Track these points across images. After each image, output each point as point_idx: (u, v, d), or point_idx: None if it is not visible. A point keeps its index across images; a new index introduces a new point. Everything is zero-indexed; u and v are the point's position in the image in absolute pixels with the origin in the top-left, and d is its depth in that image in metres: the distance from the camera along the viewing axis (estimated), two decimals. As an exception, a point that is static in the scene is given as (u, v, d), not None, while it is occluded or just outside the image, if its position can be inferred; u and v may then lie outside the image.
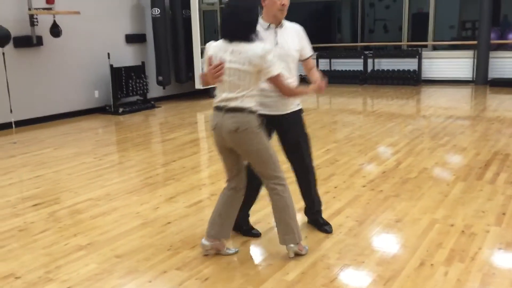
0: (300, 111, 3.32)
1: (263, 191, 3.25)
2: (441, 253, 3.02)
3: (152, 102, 9.45)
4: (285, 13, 3.08)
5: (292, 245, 3.00)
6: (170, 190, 4.50)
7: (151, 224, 3.68)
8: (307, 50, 3.27)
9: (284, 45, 3.08)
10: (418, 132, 6.55)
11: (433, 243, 3.17)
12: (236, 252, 3.16)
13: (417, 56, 11.72)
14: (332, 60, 12.91)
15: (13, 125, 6.86)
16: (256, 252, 3.22)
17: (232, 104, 2.80)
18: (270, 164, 2.92)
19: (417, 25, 12.61)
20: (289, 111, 3.20)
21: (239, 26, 2.77)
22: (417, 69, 11.71)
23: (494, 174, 4.56)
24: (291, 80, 3.10)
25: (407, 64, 11.93)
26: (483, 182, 4.36)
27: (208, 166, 5.45)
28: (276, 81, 2.83)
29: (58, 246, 3.35)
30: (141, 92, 9.30)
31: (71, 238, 3.47)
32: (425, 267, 2.86)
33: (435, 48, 12.39)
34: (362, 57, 12.44)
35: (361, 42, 13.43)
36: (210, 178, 4.94)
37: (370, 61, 12.38)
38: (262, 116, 2.92)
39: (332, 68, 12.89)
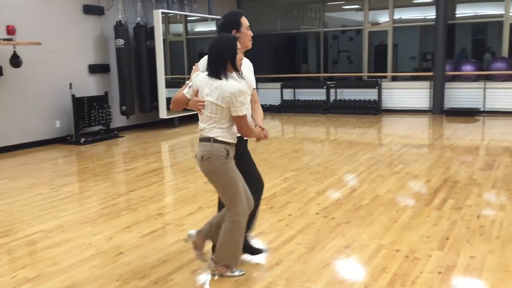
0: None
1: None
2: (384, 277, 3.12)
3: (115, 132, 9.43)
4: None
5: (212, 265, 3.20)
6: (126, 220, 4.49)
7: (103, 255, 3.66)
8: (254, 82, 3.40)
9: (245, 76, 3.23)
10: (375, 160, 6.74)
11: (377, 268, 3.27)
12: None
13: (377, 87, 12.12)
14: (296, 90, 13.20)
15: (-31, 156, 6.72)
16: (205, 279, 3.24)
17: (204, 133, 3.02)
18: (229, 196, 3.06)
19: (380, 57, 13.09)
20: None
21: (212, 64, 3.00)
22: (377, 99, 12.09)
23: (441, 200, 4.74)
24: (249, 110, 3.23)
25: (368, 94, 12.31)
26: (430, 208, 4.52)
27: (167, 195, 5.46)
28: (240, 120, 2.99)
29: (5, 278, 3.29)
30: (104, 122, 9.28)
31: (19, 270, 3.42)
32: (367, 292, 2.95)
33: (394, 79, 12.84)
34: (325, 87, 12.78)
35: (325, 73, 13.80)
36: (168, 207, 4.95)
37: (332, 91, 12.72)
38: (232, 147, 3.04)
39: (296, 98, 13.17)
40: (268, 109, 13.32)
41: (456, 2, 12.19)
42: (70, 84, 8.71)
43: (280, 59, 15.33)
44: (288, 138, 9.37)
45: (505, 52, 11.51)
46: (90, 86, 9.45)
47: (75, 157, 7.77)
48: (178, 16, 10.99)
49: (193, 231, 3.25)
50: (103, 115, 9.23)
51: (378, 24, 12.98)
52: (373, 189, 5.24)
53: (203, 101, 2.99)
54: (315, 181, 5.68)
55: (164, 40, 10.08)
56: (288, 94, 13.35)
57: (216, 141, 2.98)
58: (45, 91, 8.61)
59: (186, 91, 3.11)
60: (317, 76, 13.81)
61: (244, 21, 3.30)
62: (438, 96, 11.42)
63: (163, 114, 10.20)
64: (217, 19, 11.98)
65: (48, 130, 8.71)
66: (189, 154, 7.85)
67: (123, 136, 9.48)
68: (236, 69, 3.04)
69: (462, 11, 12.47)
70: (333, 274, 3.22)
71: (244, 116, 2.99)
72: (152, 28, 10.08)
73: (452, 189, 5.12)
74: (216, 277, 3.17)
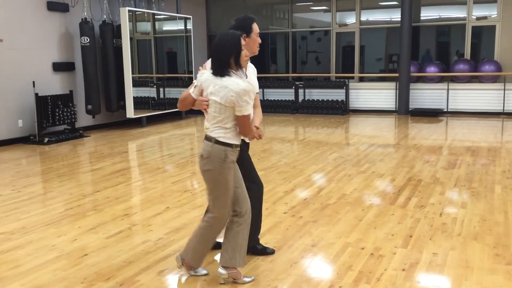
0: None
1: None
2: (350, 275, 3.17)
3: (81, 132, 9.24)
4: None
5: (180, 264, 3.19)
6: (91, 221, 4.41)
7: (67, 257, 3.58)
8: (257, 86, 3.44)
9: (250, 79, 3.23)
10: (342, 159, 6.83)
11: (343, 266, 3.31)
12: (252, 280, 3.13)
13: (345, 87, 12.28)
14: (265, 90, 13.25)
15: None
16: (172, 280, 3.22)
17: (207, 132, 3.00)
18: (215, 199, 3.03)
19: (347, 57, 13.27)
20: None
21: (215, 62, 2.94)
22: (345, 99, 12.25)
23: (406, 199, 4.84)
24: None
25: (336, 94, 12.46)
26: (395, 206, 4.61)
27: (134, 196, 5.39)
28: (244, 120, 2.94)
29: (-37, 283, 3.18)
30: (69, 121, 9.08)
31: (-22, 274, 3.32)
32: (333, 290, 2.98)
33: (361, 79, 13.04)
34: (294, 87, 12.87)
35: (293, 73, 13.89)
36: (134, 208, 4.89)
37: (301, 91, 12.82)
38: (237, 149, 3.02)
39: (265, 98, 13.21)
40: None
41: (420, 5, 12.48)
42: (33, 83, 8.49)
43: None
44: (257, 137, 9.39)
45: (467, 54, 11.86)
46: (54, 85, 9.22)
47: (38, 157, 7.57)
48: (146, 14, 10.85)
49: (221, 270, 3.10)
50: (68, 114, 9.03)
51: (345, 25, 13.16)
52: (340, 188, 5.31)
53: (207, 100, 2.96)
54: (283, 180, 5.71)
55: (131, 39, 9.95)
56: (257, 94, 13.35)
57: (217, 142, 2.93)
58: (7, 89, 8.36)
59: (192, 90, 3.07)
60: (285, 76, 13.89)
61: (256, 27, 3.31)
62: (403, 96, 11.66)
63: (130, 113, 10.06)
64: (185, 18, 11.92)
65: (10, 130, 8.46)
66: (157, 154, 7.77)
67: (89, 136, 9.30)
68: (240, 67, 2.98)
69: (427, 14, 12.76)
70: (300, 273, 3.25)
71: (249, 116, 2.94)
72: (119, 26, 9.92)
73: (416, 188, 5.24)
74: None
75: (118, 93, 10.17)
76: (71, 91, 9.27)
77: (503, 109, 11.13)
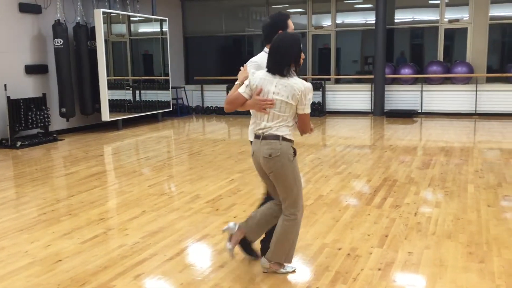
0: None
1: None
2: (327, 275, 3.18)
3: (55, 135, 9.07)
4: None
5: (265, 263, 3.21)
6: (65, 226, 4.33)
7: (40, 263, 3.51)
8: None
9: None
10: (319, 160, 6.87)
11: (321, 267, 3.33)
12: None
13: (321, 89, 12.37)
14: (242, 92, 13.23)
15: None
16: (148, 284, 3.18)
17: (269, 131, 2.99)
18: (291, 195, 3.08)
19: (324, 59, 13.37)
20: None
21: (276, 61, 2.97)
22: (321, 101, 12.34)
23: (382, 199, 4.90)
24: None
25: (313, 96, 12.51)
26: (371, 207, 4.66)
27: (110, 200, 5.32)
28: (305, 118, 3.03)
29: None
30: (42, 124, 8.91)
31: None
32: (311, 290, 2.99)
33: (337, 81, 13.16)
34: (270, 89, 12.87)
35: (270, 75, 13.88)
36: (110, 212, 4.82)
37: (278, 93, 12.83)
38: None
39: (242, 100, 13.19)
40: (215, 111, 13.29)
41: (394, 8, 12.66)
42: (5, 86, 8.31)
43: (226, 61, 15.32)
44: (234, 140, 9.37)
45: (440, 56, 12.08)
46: (27, 88, 9.04)
47: (11, 161, 7.41)
48: (121, 16, 10.74)
49: (232, 223, 3.23)
50: (41, 117, 8.86)
51: (321, 27, 13.26)
52: (317, 189, 5.34)
53: (271, 100, 2.94)
54: (261, 182, 5.68)
55: (106, 41, 9.83)
56: (234, 96, 13.36)
57: (284, 139, 2.99)
58: (-22, 92, 8.17)
59: (242, 90, 3.05)
60: (262, 78, 13.88)
61: (291, 24, 3.29)
62: (378, 98, 11.81)
63: (105, 116, 9.93)
64: (161, 20, 11.84)
65: (-19, 134, 8.26)
66: (133, 157, 7.69)
67: (63, 139, 9.15)
68: (298, 66, 3.04)
69: (401, 17, 12.96)
70: (277, 274, 3.25)
71: (309, 114, 3.03)
72: (93, 28, 9.80)
73: (392, 188, 5.30)
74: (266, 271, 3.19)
75: (93, 95, 10.04)
76: (44, 94, 9.10)
77: (475, 110, 11.37)
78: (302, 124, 3.05)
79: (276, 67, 2.97)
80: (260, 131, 3.04)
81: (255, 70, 3.16)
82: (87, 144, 8.70)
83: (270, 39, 3.09)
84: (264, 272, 3.23)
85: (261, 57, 3.26)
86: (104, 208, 4.94)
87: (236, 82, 3.18)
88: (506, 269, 3.23)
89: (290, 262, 3.24)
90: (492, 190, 5.17)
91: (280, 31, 3.15)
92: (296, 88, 2.93)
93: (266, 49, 3.20)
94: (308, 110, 3.00)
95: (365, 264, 3.35)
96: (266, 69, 3.03)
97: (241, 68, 3.26)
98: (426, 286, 3.06)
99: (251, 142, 3.21)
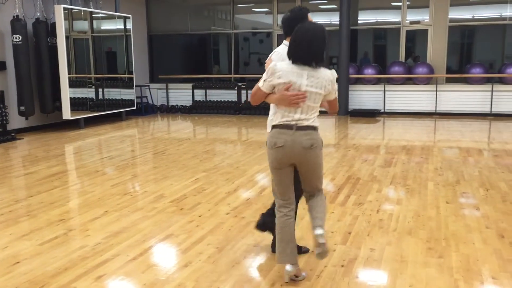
0: None
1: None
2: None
3: (13, 134, 8.78)
4: None
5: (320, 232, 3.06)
6: (24, 227, 4.20)
7: (-4, 266, 3.39)
8: None
9: None
10: (284, 159, 6.89)
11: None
12: (304, 278, 3.17)
13: (286, 88, 12.43)
14: (208, 91, 13.19)
15: None
16: (111, 285, 3.12)
17: (306, 123, 2.99)
18: (322, 178, 3.19)
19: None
20: None
21: (312, 54, 2.93)
22: (286, 100, 12.39)
23: (345, 197, 4.97)
24: None
25: (278, 95, 12.57)
26: (335, 204, 4.72)
27: (71, 200, 5.19)
28: (335, 102, 3.16)
29: None
30: (0, 123, 8.60)
31: None
32: (275, 288, 3.01)
33: (302, 81, 13.24)
34: (236, 88, 12.89)
35: (236, 74, 13.91)
36: (71, 212, 4.71)
37: (244, 92, 12.86)
38: None
39: (208, 99, 13.15)
40: (180, 110, 13.18)
41: (358, 9, 12.87)
42: (-40, 82, 7.99)
43: (191, 59, 15.22)
44: (200, 139, 9.32)
45: (402, 57, 12.36)
46: (-17, 85, 8.73)
47: (-34, 161, 7.13)
48: (83, 13, 10.49)
49: (289, 267, 3.09)
50: (-1, 115, 8.57)
51: (286, 27, 13.32)
52: (281, 187, 5.35)
53: (303, 94, 2.92)
54: (226, 181, 5.70)
55: (67, 37, 9.59)
56: (199, 95, 13.30)
57: (316, 129, 3.05)
58: None
59: (261, 84, 3.00)
60: (228, 77, 13.89)
61: (310, 18, 3.34)
62: (342, 97, 11.96)
63: (66, 114, 9.69)
64: (124, 17, 11.64)
65: None
66: (96, 157, 7.53)
67: (22, 139, 8.87)
68: (325, 57, 3.07)
69: (364, 18, 13.19)
70: (242, 273, 3.25)
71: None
72: (54, 24, 9.54)
73: (355, 186, 5.39)
74: (321, 240, 3.04)
75: (53, 93, 9.77)
76: (2, 92, 8.81)
77: (436, 110, 11.68)
78: (333, 106, 3.17)
79: (308, 58, 2.93)
80: (293, 122, 2.98)
81: (278, 60, 3.13)
82: (47, 143, 8.46)
83: (290, 33, 3.12)
84: (286, 282, 3.10)
85: (283, 49, 3.24)
86: (65, 208, 4.82)
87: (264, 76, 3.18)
88: (464, 264, 3.33)
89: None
90: (450, 187, 5.32)
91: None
92: (327, 79, 2.99)
93: (286, 42, 3.26)
94: (336, 95, 3.13)
95: (328, 261, 3.39)
96: (291, 61, 2.97)
97: (266, 61, 3.27)
98: (387, 281, 3.12)
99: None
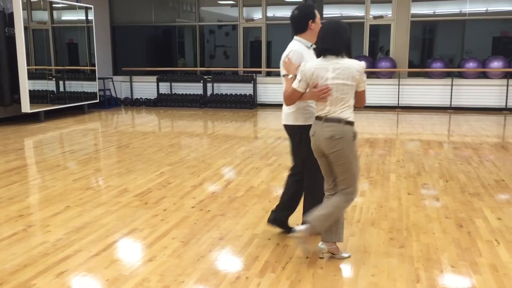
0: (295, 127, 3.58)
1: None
2: (256, 265, 3.21)
3: (-31, 128, 8.47)
4: None
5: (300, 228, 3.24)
6: (-20, 224, 4.06)
7: (-49, 264, 3.26)
8: None
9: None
10: (250, 152, 6.91)
11: (250, 257, 3.36)
12: (349, 257, 3.33)
13: (252, 82, 12.45)
14: (173, 84, 13.04)
15: None
16: (73, 281, 3.06)
17: (333, 115, 3.10)
18: (351, 176, 3.18)
19: (255, 52, 13.43)
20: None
21: (336, 47, 3.08)
22: (252, 94, 12.42)
23: (310, 189, 5.01)
24: None
25: (244, 88, 12.58)
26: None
27: (30, 195, 5.04)
28: (363, 94, 3.18)
29: None
30: (-45, 116, 8.28)
31: None
32: (240, 281, 3.01)
33: (268, 74, 13.29)
34: (202, 81, 12.80)
35: (202, 67, 13.80)
36: (31, 208, 4.57)
37: (209, 85, 12.78)
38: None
39: (173, 92, 13.01)
40: (144, 103, 12.98)
41: (323, 3, 12.95)
42: None
43: (156, 52, 15.01)
44: (165, 132, 9.21)
45: (365, 51, 12.54)
46: None
47: None
48: (42, 2, 10.17)
49: (321, 245, 3.31)
50: (-46, 108, 8.23)
51: (252, 20, 13.31)
52: (247, 181, 5.37)
53: (327, 88, 3.03)
54: (191, 175, 5.66)
55: (25, 28, 9.28)
56: (164, 88, 13.13)
57: (347, 122, 3.09)
58: None
59: (297, 85, 3.17)
60: (194, 70, 13.77)
61: (317, 13, 3.52)
62: (308, 91, 12.05)
63: (26, 107, 9.40)
64: (86, 7, 11.35)
65: None
66: (57, 151, 7.34)
67: (-21, 132, 8.56)
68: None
69: (329, 12, 13.29)
70: (207, 266, 3.24)
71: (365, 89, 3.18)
72: (12, 14, 9.21)
73: (320, 178, 5.44)
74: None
75: (11, 86, 9.46)
76: (-44, 84, 8.45)
77: (398, 103, 11.93)
78: (360, 99, 3.20)
79: (334, 48, 3.07)
80: (323, 114, 3.14)
81: (298, 58, 3.34)
82: (5, 137, 8.19)
83: (300, 29, 3.44)
84: (320, 258, 3.32)
85: (297, 45, 3.48)
86: (24, 204, 4.68)
87: (286, 75, 3.32)
88: (424, 253, 3.42)
89: (341, 240, 3.33)
90: (412, 179, 5.45)
91: (310, 20, 3.46)
92: (353, 69, 3.05)
93: (297, 38, 3.51)
94: (365, 87, 3.15)
95: (293, 253, 3.42)
96: (320, 55, 3.13)
97: (286, 60, 3.38)
98: (351, 271, 3.17)
99: (287, 126, 3.55)
